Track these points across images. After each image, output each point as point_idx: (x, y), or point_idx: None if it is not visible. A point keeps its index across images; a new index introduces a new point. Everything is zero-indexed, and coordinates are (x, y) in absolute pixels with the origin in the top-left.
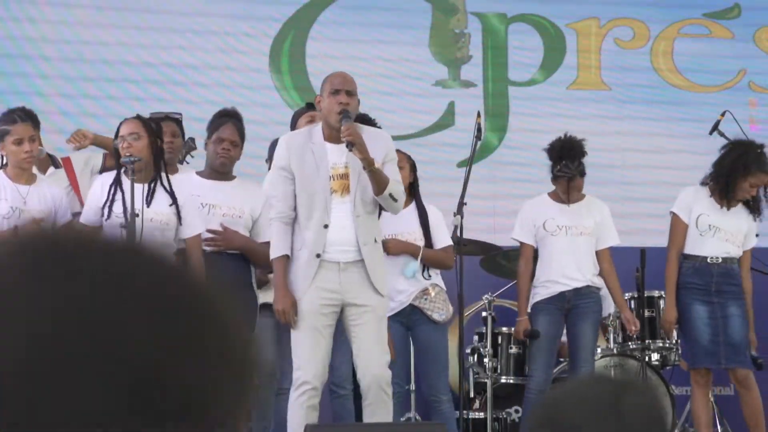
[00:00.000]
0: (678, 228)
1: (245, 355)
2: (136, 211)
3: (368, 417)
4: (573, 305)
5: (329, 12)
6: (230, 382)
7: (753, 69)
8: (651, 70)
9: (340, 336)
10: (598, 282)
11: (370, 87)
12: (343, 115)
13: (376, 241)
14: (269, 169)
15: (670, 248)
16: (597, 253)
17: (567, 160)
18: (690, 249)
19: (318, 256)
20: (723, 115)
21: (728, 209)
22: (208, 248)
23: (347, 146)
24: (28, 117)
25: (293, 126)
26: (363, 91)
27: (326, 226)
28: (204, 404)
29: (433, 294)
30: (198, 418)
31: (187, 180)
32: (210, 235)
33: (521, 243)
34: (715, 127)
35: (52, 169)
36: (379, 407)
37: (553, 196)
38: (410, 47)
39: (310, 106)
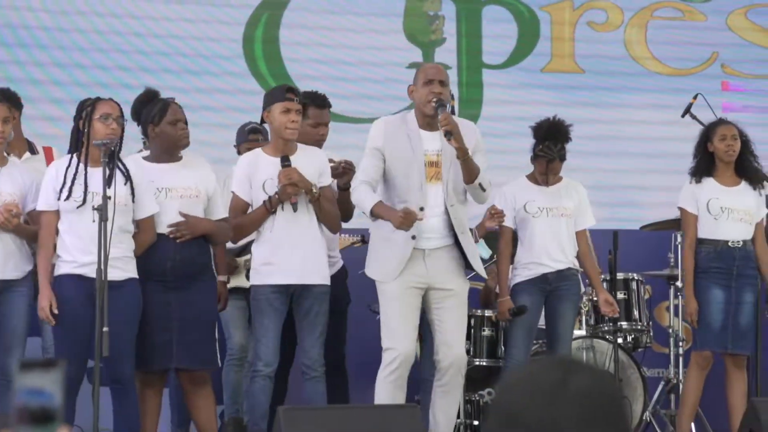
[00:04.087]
0: (688, 221)
1: None
2: (108, 194)
3: (441, 397)
4: (554, 287)
5: None
6: None
7: (725, 52)
8: (624, 53)
9: (314, 318)
10: (578, 264)
11: (343, 70)
12: (438, 104)
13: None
14: (238, 153)
15: (684, 241)
16: (576, 234)
17: (550, 141)
18: (708, 234)
19: (413, 237)
20: (695, 98)
21: (734, 186)
22: (173, 237)
23: (445, 135)
24: (6, 98)
25: (265, 107)
26: (337, 75)
27: (422, 209)
28: None
29: None
30: None
31: (137, 165)
32: (172, 229)
33: (501, 226)
34: (687, 110)
35: (27, 154)
36: (454, 388)
37: (531, 178)
38: (384, 29)
39: (290, 90)
